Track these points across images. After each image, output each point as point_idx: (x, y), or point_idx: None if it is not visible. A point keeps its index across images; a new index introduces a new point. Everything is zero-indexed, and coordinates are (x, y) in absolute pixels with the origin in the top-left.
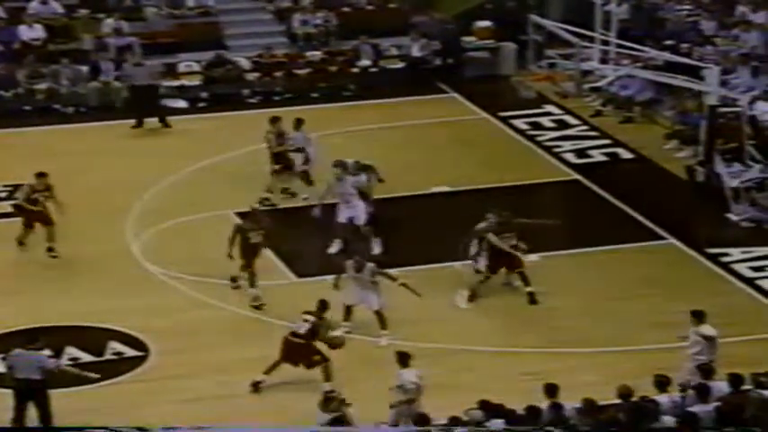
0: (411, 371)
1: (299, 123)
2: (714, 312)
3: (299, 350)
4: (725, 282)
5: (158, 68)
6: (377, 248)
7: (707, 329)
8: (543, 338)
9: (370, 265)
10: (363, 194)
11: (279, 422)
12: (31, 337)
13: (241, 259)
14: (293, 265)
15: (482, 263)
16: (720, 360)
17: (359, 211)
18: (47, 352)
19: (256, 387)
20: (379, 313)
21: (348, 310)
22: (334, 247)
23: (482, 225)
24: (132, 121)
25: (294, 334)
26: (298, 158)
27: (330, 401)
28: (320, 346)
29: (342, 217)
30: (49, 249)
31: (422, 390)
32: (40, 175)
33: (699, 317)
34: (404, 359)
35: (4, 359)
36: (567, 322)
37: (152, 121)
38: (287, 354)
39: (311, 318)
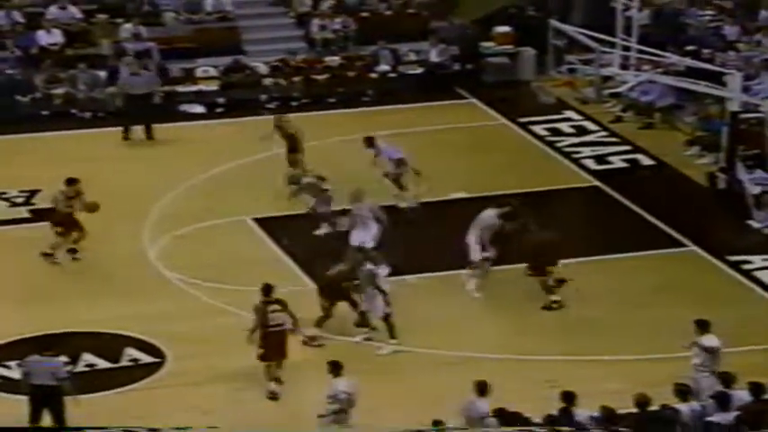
0: (343, 381)
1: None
2: (735, 320)
3: (280, 339)
4: (746, 289)
5: (155, 78)
6: (384, 271)
7: (708, 340)
8: (564, 346)
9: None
10: (379, 219)
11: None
12: (46, 344)
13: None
14: (311, 271)
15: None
16: (741, 368)
17: (370, 236)
18: (63, 358)
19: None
20: (386, 321)
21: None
22: (321, 230)
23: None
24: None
25: (278, 326)
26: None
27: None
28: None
29: (354, 240)
30: (73, 251)
31: (354, 401)
32: (71, 181)
33: (702, 327)
34: (336, 369)
35: (19, 365)
36: (588, 330)
37: (139, 131)
38: (270, 347)
39: (278, 307)
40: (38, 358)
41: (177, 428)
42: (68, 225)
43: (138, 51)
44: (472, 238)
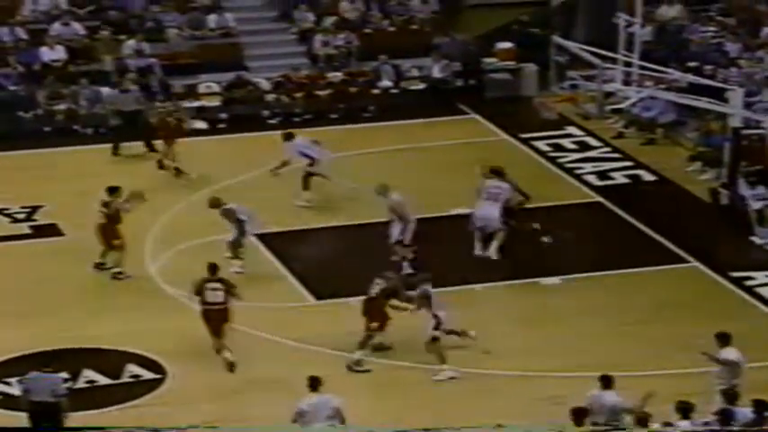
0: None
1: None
2: (738, 336)
3: (218, 315)
4: (749, 306)
5: (140, 95)
6: (407, 269)
7: (728, 353)
8: (566, 362)
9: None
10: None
11: None
12: (45, 360)
13: None
14: (312, 287)
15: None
16: (744, 385)
17: (396, 230)
18: (63, 375)
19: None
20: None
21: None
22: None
23: None
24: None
25: (213, 303)
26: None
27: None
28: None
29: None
30: (100, 265)
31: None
32: (113, 189)
33: (723, 340)
34: (315, 384)
35: (19, 382)
36: (590, 346)
37: (133, 147)
38: (211, 323)
39: (220, 285)
40: (37, 375)
41: (176, 428)
42: (107, 237)
43: (141, 67)
44: (495, 210)
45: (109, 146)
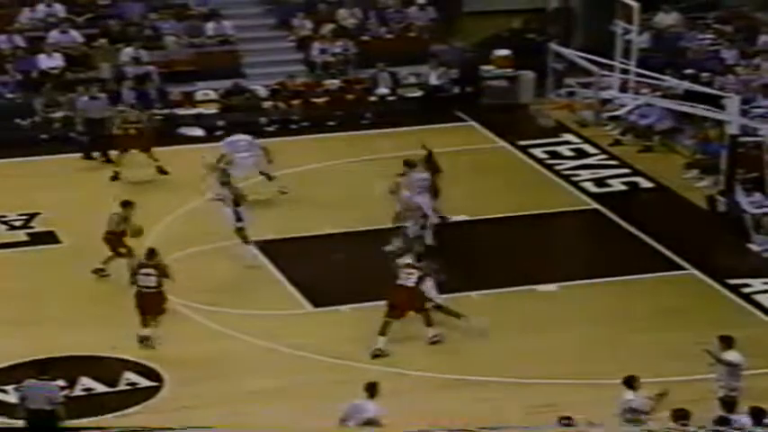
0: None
1: None
2: (735, 343)
3: (152, 299)
4: (746, 313)
5: (106, 102)
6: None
7: (730, 355)
8: (561, 370)
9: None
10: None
11: None
12: (42, 368)
13: None
14: (310, 294)
15: None
16: (742, 392)
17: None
18: (60, 383)
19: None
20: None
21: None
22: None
23: None
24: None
25: (146, 287)
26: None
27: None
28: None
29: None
30: (100, 270)
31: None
32: (126, 204)
33: (726, 342)
34: (371, 390)
35: (16, 390)
36: (586, 353)
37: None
38: (141, 305)
39: (153, 270)
40: (34, 383)
41: (175, 428)
42: (114, 245)
43: (138, 75)
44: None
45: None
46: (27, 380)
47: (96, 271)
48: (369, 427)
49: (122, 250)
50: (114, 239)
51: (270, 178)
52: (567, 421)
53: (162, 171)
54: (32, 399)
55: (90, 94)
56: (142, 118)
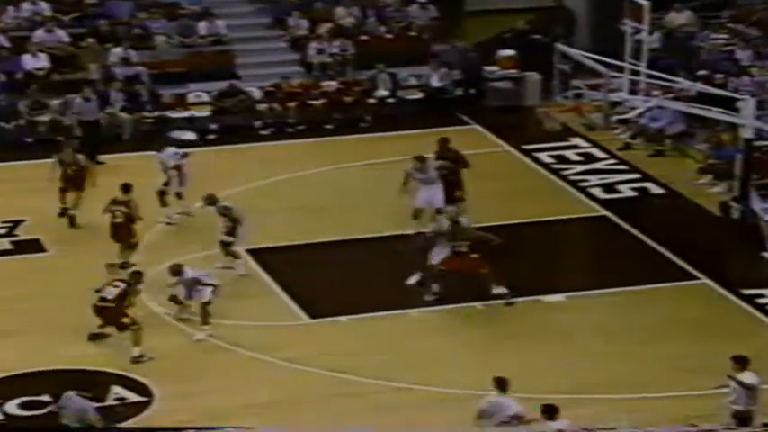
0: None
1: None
2: (749, 356)
3: (109, 313)
4: (761, 324)
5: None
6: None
7: (746, 377)
8: (570, 383)
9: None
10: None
11: None
12: (85, 384)
13: None
14: (306, 305)
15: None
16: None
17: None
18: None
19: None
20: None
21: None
22: (412, 279)
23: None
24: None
25: (102, 299)
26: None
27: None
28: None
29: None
30: (122, 265)
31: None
32: (125, 187)
33: (741, 363)
34: (502, 385)
35: (56, 401)
36: (595, 366)
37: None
38: (99, 316)
39: (122, 284)
40: (73, 397)
41: (176, 428)
42: (124, 234)
43: (128, 76)
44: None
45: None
46: (67, 392)
47: (122, 266)
48: (515, 423)
49: (134, 240)
50: (126, 229)
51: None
52: (516, 420)
53: (71, 222)
54: (65, 414)
55: (83, 95)
56: (78, 160)
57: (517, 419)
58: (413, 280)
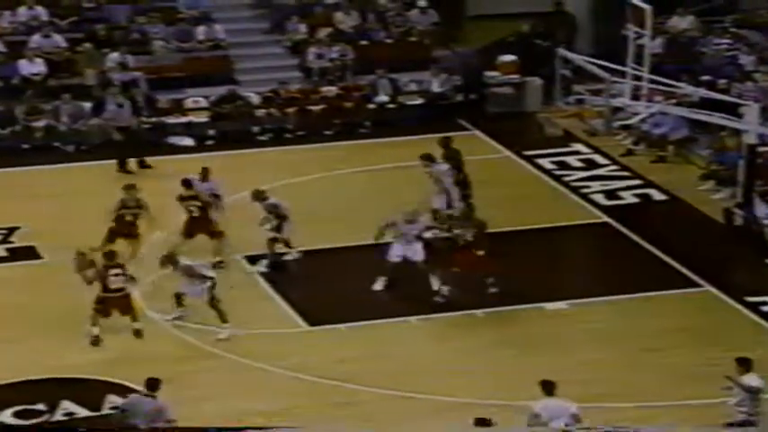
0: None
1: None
2: (754, 365)
3: (125, 302)
4: (765, 332)
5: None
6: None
7: (750, 379)
8: (574, 392)
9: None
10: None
11: None
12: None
13: None
14: (305, 313)
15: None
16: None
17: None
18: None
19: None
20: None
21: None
22: (378, 284)
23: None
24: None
25: (115, 291)
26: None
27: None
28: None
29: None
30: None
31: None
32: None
33: (745, 365)
34: (548, 388)
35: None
36: (598, 375)
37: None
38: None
39: (122, 271)
40: (140, 397)
41: (203, 428)
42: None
43: (125, 81)
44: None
45: (93, 163)
46: (131, 395)
47: (219, 264)
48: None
49: (217, 228)
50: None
51: None
52: (482, 423)
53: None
54: (136, 413)
55: (117, 101)
56: (144, 204)
57: (575, 419)
58: (379, 285)
